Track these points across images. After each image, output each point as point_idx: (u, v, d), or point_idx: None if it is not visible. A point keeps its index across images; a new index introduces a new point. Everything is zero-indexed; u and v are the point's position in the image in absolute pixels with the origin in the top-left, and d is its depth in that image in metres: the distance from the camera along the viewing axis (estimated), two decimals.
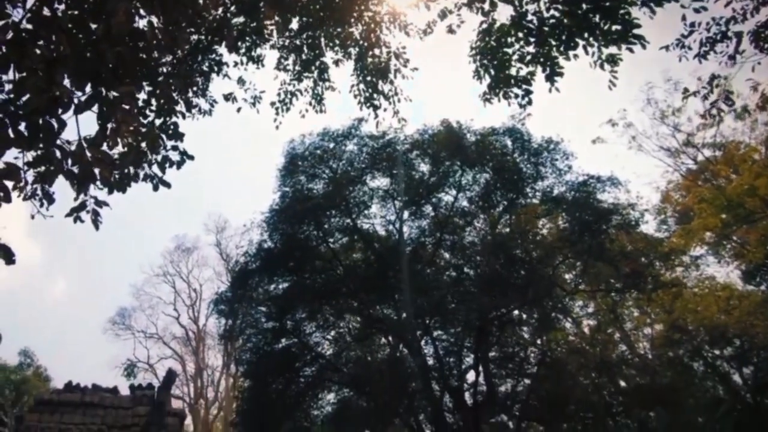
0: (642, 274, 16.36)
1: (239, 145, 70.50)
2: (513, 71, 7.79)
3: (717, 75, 7.26)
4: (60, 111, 4.34)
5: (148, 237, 66.88)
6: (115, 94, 4.51)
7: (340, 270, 18.79)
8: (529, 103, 7.88)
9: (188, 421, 32.80)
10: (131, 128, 4.29)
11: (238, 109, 9.37)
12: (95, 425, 22.20)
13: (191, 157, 5.59)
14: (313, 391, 18.50)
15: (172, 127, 6.49)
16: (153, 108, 6.96)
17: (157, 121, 6.89)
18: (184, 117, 7.35)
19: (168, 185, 5.12)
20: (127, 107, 4.21)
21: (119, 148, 5.24)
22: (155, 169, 5.23)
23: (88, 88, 4.60)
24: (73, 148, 4.54)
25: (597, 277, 17.71)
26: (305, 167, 19.08)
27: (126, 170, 4.95)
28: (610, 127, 23.20)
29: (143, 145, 5.33)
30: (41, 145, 4.62)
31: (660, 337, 20.74)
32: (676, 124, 22.47)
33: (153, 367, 34.96)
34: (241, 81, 9.36)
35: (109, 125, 4.24)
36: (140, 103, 6.31)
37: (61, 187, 5.18)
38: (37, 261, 57.48)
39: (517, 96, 7.90)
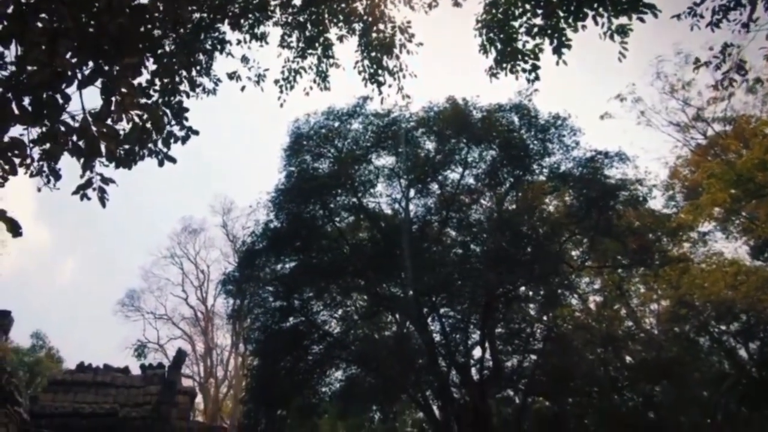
0: (649, 250, 16.31)
1: (244, 126, 70.35)
2: (520, 44, 7.67)
3: (730, 44, 7.10)
4: (63, 85, 4.31)
5: (156, 219, 67.28)
6: (117, 67, 4.48)
7: (346, 249, 18.85)
8: (536, 78, 7.79)
9: (198, 399, 33.41)
10: (135, 101, 4.26)
11: (242, 88, 9.29)
12: (108, 404, 22.69)
13: (196, 132, 5.56)
14: (321, 369, 18.71)
15: (176, 104, 6.45)
16: (157, 88, 6.92)
17: (161, 101, 6.84)
18: (188, 96, 7.31)
19: (173, 160, 5.10)
20: (130, 80, 4.17)
21: (124, 125, 5.24)
22: (160, 144, 5.22)
23: (90, 63, 4.56)
24: (77, 123, 4.53)
25: (604, 253, 17.66)
26: (310, 146, 19.01)
27: (131, 146, 4.94)
28: (619, 102, 22.88)
29: (148, 125, 5.31)
30: (46, 122, 4.61)
31: (666, 312, 20.76)
32: (686, 98, 22.16)
33: (163, 348, 35.50)
34: (244, 59, 9.26)
35: (114, 99, 4.22)
36: (144, 83, 6.27)
37: (68, 165, 5.18)
38: (45, 245, 58.05)
39: (524, 71, 7.81)
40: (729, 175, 17.19)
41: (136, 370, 32.59)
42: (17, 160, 4.39)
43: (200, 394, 33.30)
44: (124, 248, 63.60)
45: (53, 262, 61.01)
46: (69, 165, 5.35)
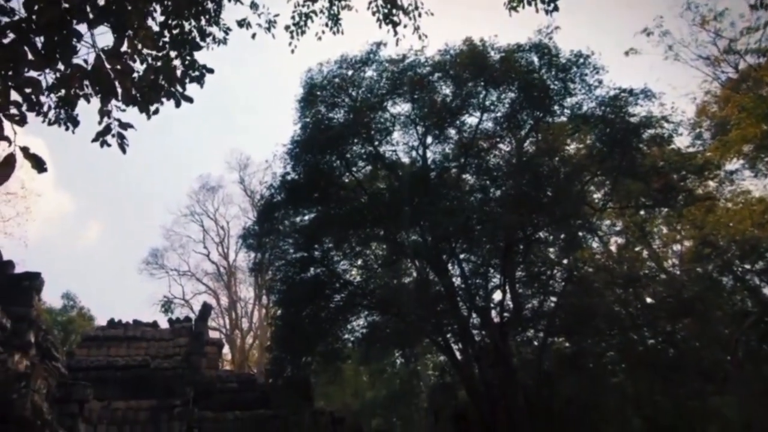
0: (673, 190, 15.95)
1: (257, 79, 69.44)
2: None
3: None
4: (75, 23, 4.18)
5: (173, 179, 67.83)
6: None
7: (364, 198, 18.83)
8: (555, 8, 7.50)
9: (226, 350, 34.60)
10: (149, 35, 4.12)
11: (253, 35, 9.01)
12: (140, 356, 23.62)
13: (211, 71, 5.43)
14: (343, 316, 19.09)
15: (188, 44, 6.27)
16: (166, 40, 6.72)
17: (172, 53, 6.66)
18: (198, 47, 7.12)
19: (190, 100, 4.98)
20: (141, 11, 4.02)
21: (138, 66, 5.13)
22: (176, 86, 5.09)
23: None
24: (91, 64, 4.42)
25: (627, 194, 17.31)
26: (324, 97, 18.74)
27: (148, 89, 4.83)
28: (645, 36, 21.69)
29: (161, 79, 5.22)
30: (59, 65, 4.51)
31: (689, 252, 20.52)
32: (718, 29, 20.93)
33: (189, 303, 36.50)
34: (253, 5, 8.94)
35: (127, 35, 4.09)
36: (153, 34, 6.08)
37: (86, 114, 5.14)
38: (67, 211, 59.11)
39: (543, 1, 7.50)
40: (761, 109, 16.43)
41: (164, 325, 33.72)
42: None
43: (227, 345, 34.45)
44: (144, 209, 64.64)
45: (76, 227, 62.37)
46: (86, 112, 5.27)
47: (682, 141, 18.10)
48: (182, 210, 37.00)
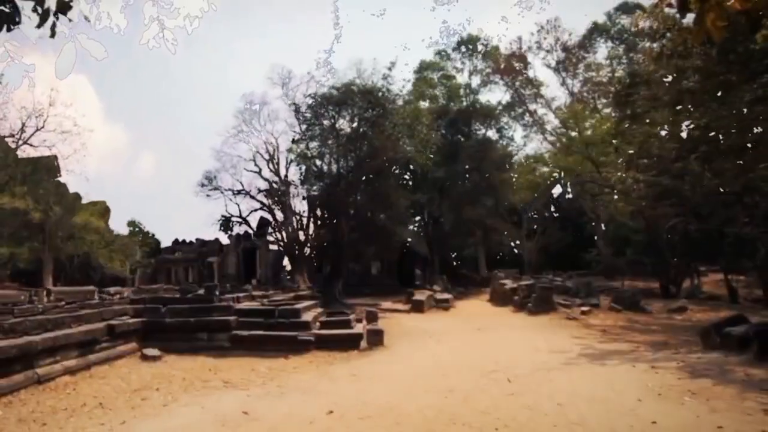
0: None
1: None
2: None
3: None
4: None
5: (218, 100, 67.82)
6: None
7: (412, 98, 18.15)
8: None
9: (285, 262, 35.99)
10: None
11: None
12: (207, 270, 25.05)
13: None
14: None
15: None
16: None
17: None
18: None
19: None
20: None
21: None
22: None
23: None
24: None
25: None
26: None
27: None
28: None
29: None
30: None
31: None
32: None
33: (246, 220, 37.42)
34: None
35: None
36: None
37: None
38: (121, 142, 60.71)
39: None
40: None
41: (225, 241, 35.16)
42: None
43: (286, 256, 35.69)
44: (193, 133, 65.63)
45: (131, 157, 64.40)
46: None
47: None
48: (230, 131, 36.94)
